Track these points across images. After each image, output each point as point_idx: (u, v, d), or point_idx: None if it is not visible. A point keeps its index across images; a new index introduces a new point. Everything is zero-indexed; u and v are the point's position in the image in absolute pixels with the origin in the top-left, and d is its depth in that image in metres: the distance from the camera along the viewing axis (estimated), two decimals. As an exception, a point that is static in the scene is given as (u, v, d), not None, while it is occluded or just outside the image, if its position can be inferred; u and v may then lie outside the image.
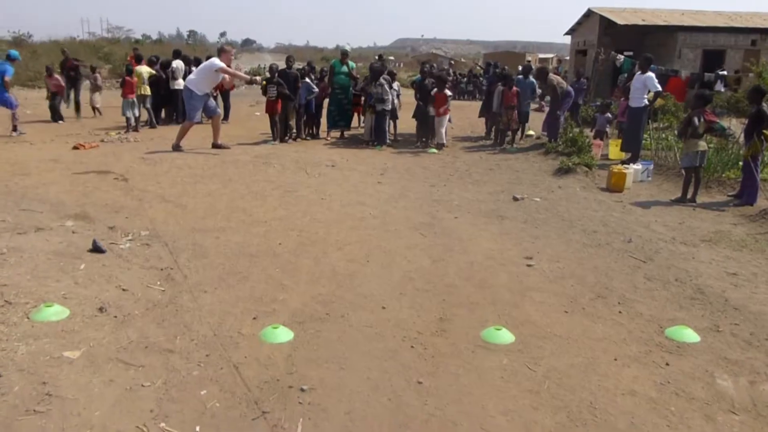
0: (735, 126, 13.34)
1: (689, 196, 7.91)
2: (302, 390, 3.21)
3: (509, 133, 12.36)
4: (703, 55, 23.05)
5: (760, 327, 4.19)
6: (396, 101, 12.47)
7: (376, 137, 11.90)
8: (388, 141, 12.10)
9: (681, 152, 8.57)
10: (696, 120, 7.73)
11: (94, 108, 15.35)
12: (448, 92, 12.00)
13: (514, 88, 12.02)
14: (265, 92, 11.76)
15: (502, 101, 12.02)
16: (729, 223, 6.97)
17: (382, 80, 11.64)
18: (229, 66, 10.67)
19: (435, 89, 11.81)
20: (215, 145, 10.73)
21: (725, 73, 18.65)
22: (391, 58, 57.25)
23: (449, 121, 12.52)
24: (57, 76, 14.23)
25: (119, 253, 5.14)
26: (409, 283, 4.82)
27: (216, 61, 10.50)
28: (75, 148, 10.26)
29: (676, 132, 9.61)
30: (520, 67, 14.21)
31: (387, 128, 12.06)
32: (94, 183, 7.77)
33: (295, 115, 12.29)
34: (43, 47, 30.39)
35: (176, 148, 10.35)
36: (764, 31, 22.96)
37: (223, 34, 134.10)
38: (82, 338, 3.64)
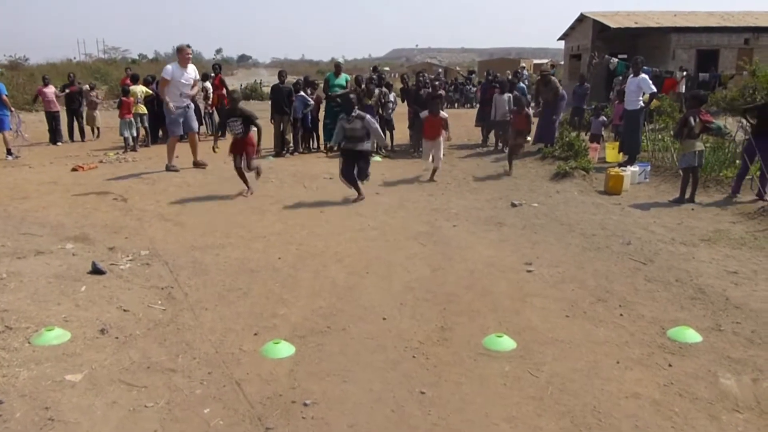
0: (730, 125, 13.37)
1: (687, 196, 7.92)
2: (305, 404, 3.21)
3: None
4: (697, 56, 23.15)
5: (761, 324, 4.19)
6: (390, 111, 12.51)
7: (359, 176, 8.34)
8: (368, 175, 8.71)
9: (678, 153, 8.59)
10: (692, 120, 7.75)
11: (93, 128, 15.34)
12: (444, 114, 9.87)
13: (525, 111, 10.41)
14: (223, 128, 10.13)
15: (513, 124, 10.73)
16: (728, 221, 6.97)
17: (358, 112, 8.19)
18: (185, 66, 9.89)
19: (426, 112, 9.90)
20: (196, 164, 10.49)
21: (686, 72, 18.91)
22: (387, 68, 57.56)
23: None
24: (53, 90, 14.27)
25: (119, 274, 5.15)
26: (410, 293, 4.82)
27: (164, 69, 9.94)
28: (74, 169, 10.29)
29: (672, 133, 9.62)
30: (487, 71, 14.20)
31: (368, 167, 8.60)
32: (93, 204, 7.79)
33: (291, 129, 12.34)
34: (41, 70, 30.54)
35: (169, 168, 10.16)
36: (757, 29, 23.08)
37: (218, 51, 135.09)
38: (84, 361, 3.64)
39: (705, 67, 21.95)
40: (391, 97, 12.73)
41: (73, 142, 14.50)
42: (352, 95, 9.90)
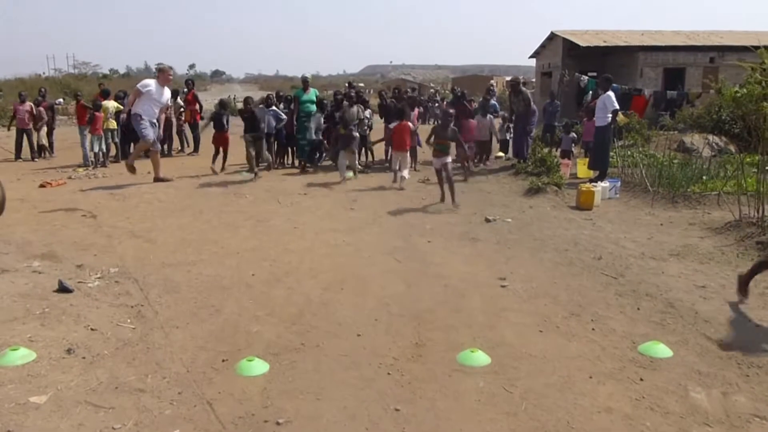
0: (697, 141, 13.71)
1: None
2: (278, 423, 3.16)
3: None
4: (664, 74, 23.73)
5: (730, 338, 4.26)
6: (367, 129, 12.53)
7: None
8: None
9: None
10: None
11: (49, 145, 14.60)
12: (411, 125, 10.82)
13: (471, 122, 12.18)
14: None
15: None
16: (696, 236, 7.11)
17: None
18: (163, 86, 10.10)
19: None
20: (157, 179, 10.45)
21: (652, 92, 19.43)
22: (361, 84, 57.92)
23: (419, 145, 12.60)
24: (28, 108, 13.97)
25: (87, 292, 5.03)
26: (384, 309, 4.80)
27: (144, 82, 10.12)
28: (42, 186, 10.11)
29: None
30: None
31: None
32: (61, 221, 7.64)
33: (265, 145, 12.23)
34: (8, 85, 30.05)
35: (129, 162, 10.34)
36: (721, 48, 23.74)
37: (192, 66, 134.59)
38: (50, 382, 3.54)
39: (672, 85, 22.49)
40: (367, 113, 12.75)
41: (43, 159, 14.23)
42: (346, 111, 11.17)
